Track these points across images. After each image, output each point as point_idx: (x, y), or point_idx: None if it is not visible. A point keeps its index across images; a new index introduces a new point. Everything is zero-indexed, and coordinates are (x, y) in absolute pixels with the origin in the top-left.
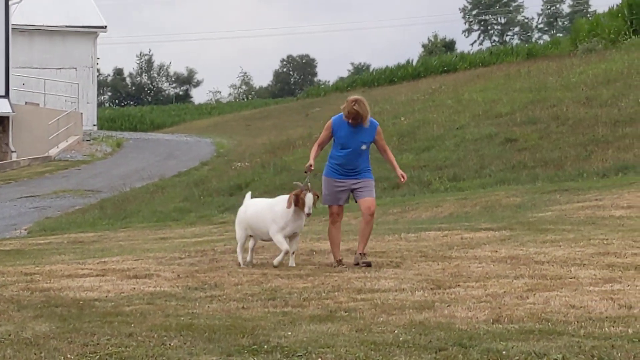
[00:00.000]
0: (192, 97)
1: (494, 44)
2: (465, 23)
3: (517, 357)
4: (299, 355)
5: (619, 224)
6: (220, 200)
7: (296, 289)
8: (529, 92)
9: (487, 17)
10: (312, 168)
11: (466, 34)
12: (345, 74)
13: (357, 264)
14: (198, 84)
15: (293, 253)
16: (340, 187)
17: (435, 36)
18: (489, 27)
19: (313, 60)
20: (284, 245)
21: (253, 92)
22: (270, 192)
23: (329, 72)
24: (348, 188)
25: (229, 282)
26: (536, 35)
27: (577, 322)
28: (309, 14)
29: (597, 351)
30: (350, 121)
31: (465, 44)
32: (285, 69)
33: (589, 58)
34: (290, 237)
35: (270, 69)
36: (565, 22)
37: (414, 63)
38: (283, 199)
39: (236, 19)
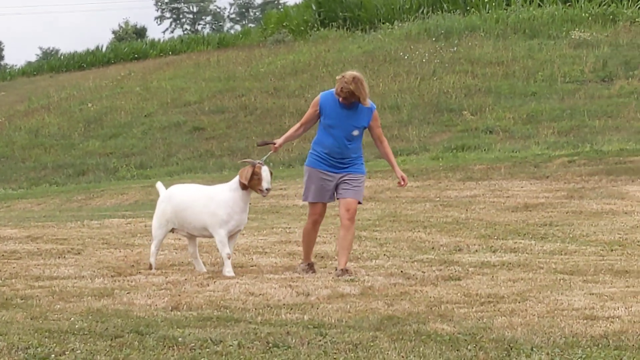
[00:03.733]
0: None
1: (185, 32)
2: (157, 10)
3: (193, 344)
4: None
5: (302, 213)
6: None
7: None
8: (218, 81)
9: (179, 5)
10: (275, 147)
11: (158, 22)
12: (33, 58)
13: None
14: None
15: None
16: (328, 181)
17: (127, 23)
18: (181, 16)
19: (0, 43)
20: (225, 248)
21: None
22: None
23: (16, 55)
24: (336, 182)
25: None
26: (228, 25)
27: (255, 309)
28: None
29: (273, 337)
30: (342, 100)
31: (157, 32)
32: None
33: (278, 49)
34: (234, 235)
35: None
36: (257, 13)
37: (104, 49)
38: (227, 187)
39: None
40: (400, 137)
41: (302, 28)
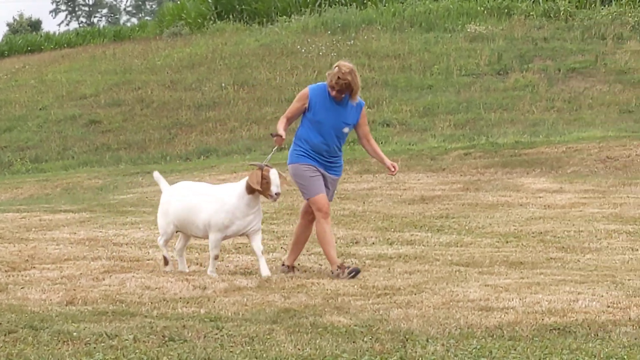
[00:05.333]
0: None
1: (81, 25)
2: (52, 3)
3: (88, 339)
4: None
5: None
6: None
7: None
8: (114, 74)
9: None
10: (284, 139)
11: (53, 15)
12: None
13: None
14: None
15: (262, 254)
16: (319, 174)
17: (21, 15)
18: (76, 8)
19: None
20: (216, 249)
21: None
22: None
23: None
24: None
25: None
26: (124, 17)
27: (151, 303)
28: None
29: (169, 331)
30: (334, 94)
31: (52, 25)
32: None
33: (175, 42)
34: (250, 235)
35: None
36: (153, 6)
37: None
38: (232, 188)
39: None
40: None
41: (199, 21)
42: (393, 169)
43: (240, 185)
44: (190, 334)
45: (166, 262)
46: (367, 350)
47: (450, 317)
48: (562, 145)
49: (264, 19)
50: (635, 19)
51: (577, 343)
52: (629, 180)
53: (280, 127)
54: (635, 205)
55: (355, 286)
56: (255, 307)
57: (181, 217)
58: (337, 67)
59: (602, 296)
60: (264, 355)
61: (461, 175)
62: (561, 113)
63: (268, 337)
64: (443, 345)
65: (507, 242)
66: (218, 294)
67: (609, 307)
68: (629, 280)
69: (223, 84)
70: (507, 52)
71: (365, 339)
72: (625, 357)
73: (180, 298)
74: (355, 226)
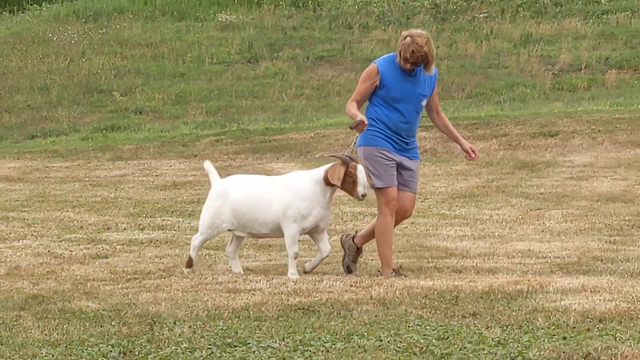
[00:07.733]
0: None
1: None
2: None
3: None
4: None
5: None
6: None
7: None
8: None
9: None
10: (366, 123)
11: None
12: None
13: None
14: None
15: (326, 257)
16: (394, 161)
17: None
18: None
19: None
20: (294, 246)
21: None
22: None
23: None
24: (396, 166)
25: None
26: None
27: None
28: None
29: None
30: (409, 67)
31: None
32: None
33: None
34: (312, 233)
35: None
36: None
37: None
38: (304, 176)
39: None
40: (50, 118)
41: None
42: (474, 155)
43: (315, 173)
44: None
45: (190, 264)
46: (114, 334)
47: (198, 299)
48: (310, 131)
49: (15, 7)
50: (380, 9)
51: (320, 322)
52: None
53: (356, 111)
54: None
55: (105, 271)
56: (3, 294)
57: (241, 214)
58: (409, 37)
59: (346, 276)
60: (10, 341)
61: (213, 162)
62: (310, 100)
63: (15, 323)
64: (190, 327)
65: None
66: None
67: (352, 286)
68: (372, 260)
69: None
70: (257, 40)
71: (113, 323)
72: (366, 333)
73: None
74: (107, 212)
